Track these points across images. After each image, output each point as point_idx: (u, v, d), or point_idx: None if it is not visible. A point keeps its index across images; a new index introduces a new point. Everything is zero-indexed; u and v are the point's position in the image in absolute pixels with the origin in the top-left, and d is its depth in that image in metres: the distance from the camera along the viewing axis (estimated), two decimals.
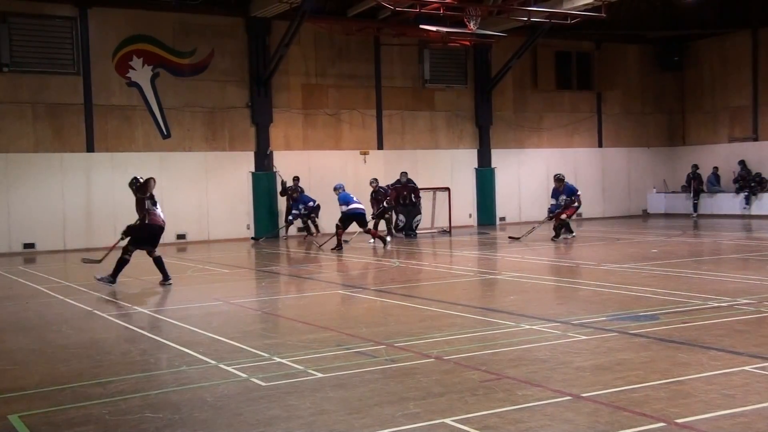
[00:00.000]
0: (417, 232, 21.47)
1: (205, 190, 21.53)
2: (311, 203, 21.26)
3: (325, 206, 21.11)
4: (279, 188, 21.96)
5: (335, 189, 18.58)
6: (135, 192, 12.28)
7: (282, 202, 22.07)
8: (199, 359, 6.96)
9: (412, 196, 21.39)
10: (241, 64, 21.99)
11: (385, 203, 20.06)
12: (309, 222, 21.69)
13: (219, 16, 21.61)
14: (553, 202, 19.07)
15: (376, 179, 20.70)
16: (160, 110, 21.10)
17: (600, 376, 6.03)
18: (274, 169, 22.12)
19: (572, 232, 19.14)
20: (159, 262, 12.37)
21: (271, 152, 22.10)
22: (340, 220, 17.97)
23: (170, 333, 8.35)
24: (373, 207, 20.13)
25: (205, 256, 17.58)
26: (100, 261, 12.97)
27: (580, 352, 6.90)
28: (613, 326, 7.91)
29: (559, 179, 19.07)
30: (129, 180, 12.51)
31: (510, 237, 19.72)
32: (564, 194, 18.87)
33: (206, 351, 7.28)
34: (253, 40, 21.94)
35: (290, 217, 21.30)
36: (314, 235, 21.53)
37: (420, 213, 21.75)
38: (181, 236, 21.12)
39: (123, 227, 12.63)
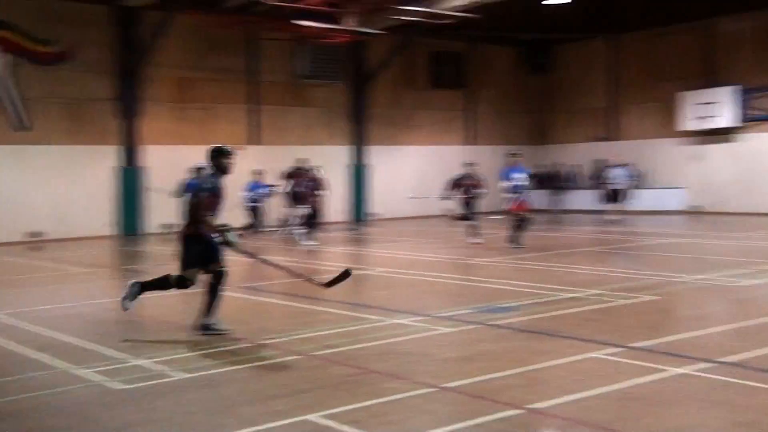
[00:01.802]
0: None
1: (65, 186, 20.44)
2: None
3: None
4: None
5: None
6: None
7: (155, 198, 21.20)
8: (51, 365, 6.62)
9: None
10: (108, 54, 21.03)
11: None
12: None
13: (83, 4, 20.57)
14: (516, 178, 15.14)
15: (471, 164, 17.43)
16: (20, 100, 19.89)
17: (462, 367, 6.22)
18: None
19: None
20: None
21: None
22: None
23: (21, 337, 7.89)
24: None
25: (64, 255, 16.74)
26: None
27: (444, 345, 7.09)
28: (476, 318, 8.17)
29: (517, 154, 15.81)
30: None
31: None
32: (524, 173, 15.41)
33: (59, 354, 6.94)
34: (122, 30, 21.03)
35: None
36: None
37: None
38: (36, 234, 19.90)
39: None
